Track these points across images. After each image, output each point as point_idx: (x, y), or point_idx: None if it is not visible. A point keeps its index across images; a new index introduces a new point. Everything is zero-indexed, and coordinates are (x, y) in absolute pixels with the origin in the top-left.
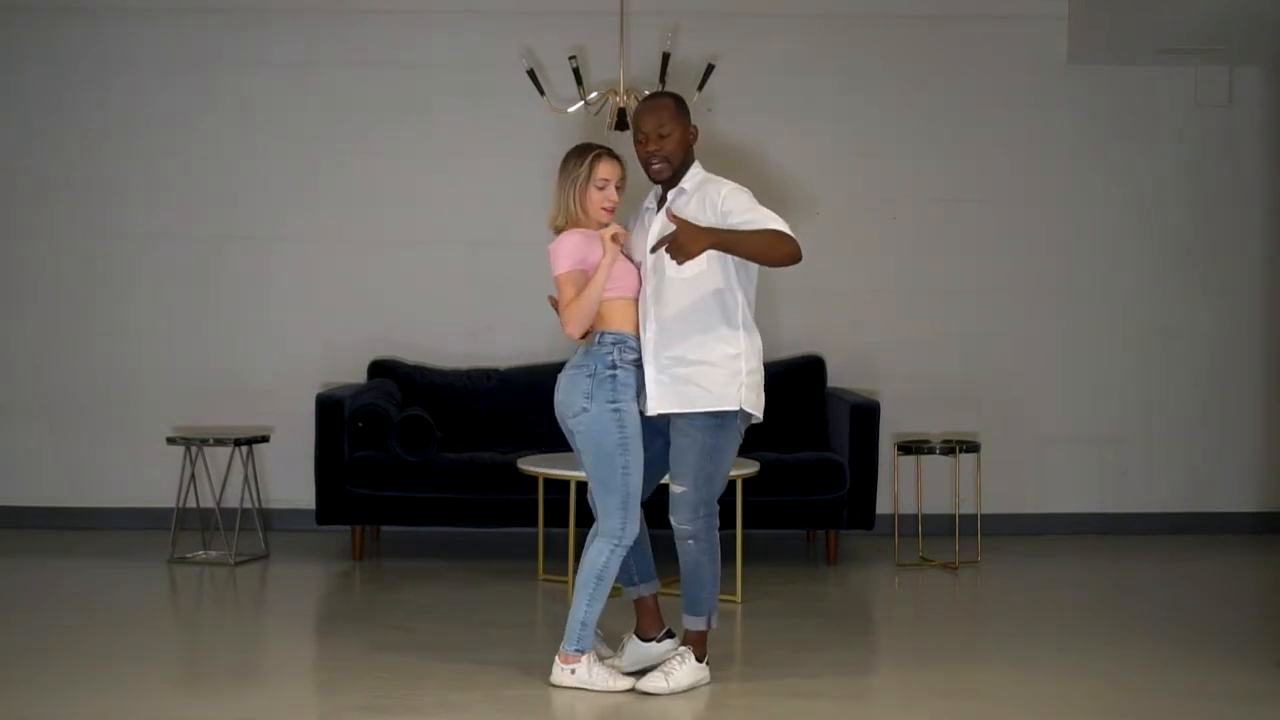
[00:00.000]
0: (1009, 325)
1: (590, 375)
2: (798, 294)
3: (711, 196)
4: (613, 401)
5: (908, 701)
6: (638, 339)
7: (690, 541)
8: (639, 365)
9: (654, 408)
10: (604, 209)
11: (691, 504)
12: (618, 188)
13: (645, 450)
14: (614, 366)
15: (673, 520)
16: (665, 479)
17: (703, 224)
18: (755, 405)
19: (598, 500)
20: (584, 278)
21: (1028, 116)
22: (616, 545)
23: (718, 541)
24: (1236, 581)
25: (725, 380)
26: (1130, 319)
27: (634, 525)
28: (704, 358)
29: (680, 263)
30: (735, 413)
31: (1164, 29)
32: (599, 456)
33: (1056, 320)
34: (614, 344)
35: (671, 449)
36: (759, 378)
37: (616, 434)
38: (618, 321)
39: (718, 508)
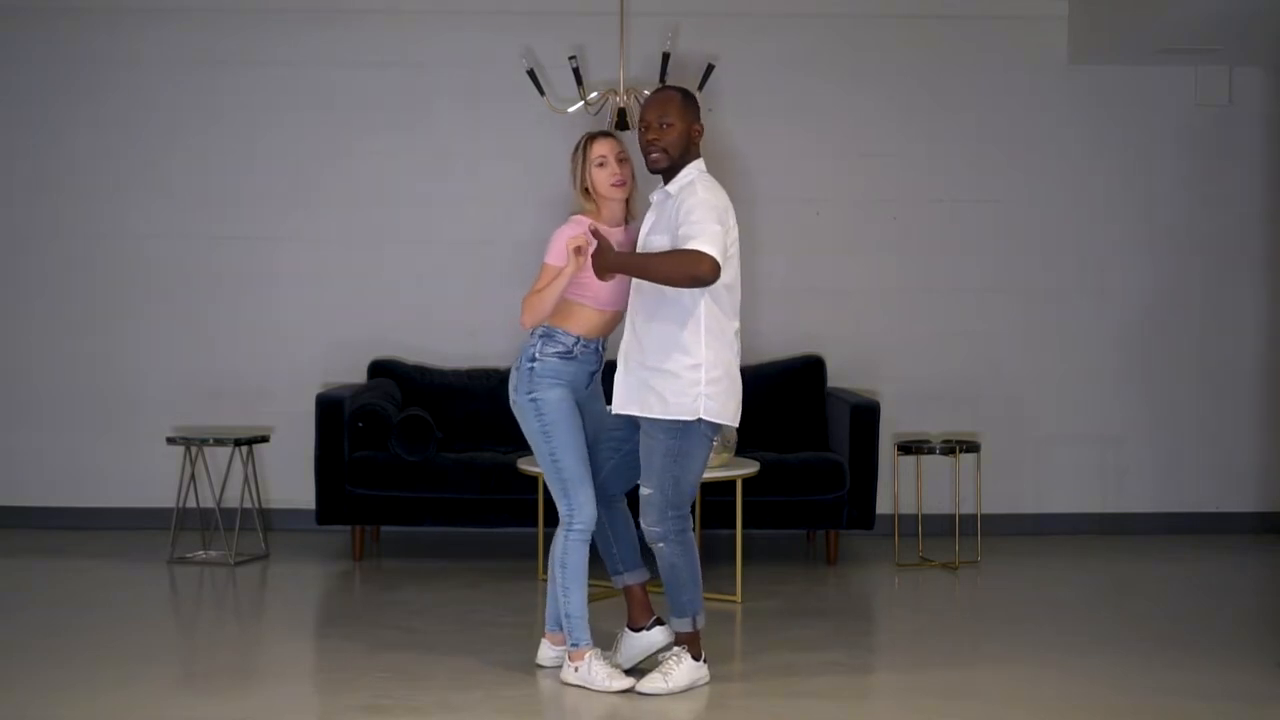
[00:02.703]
0: (1009, 325)
1: (517, 368)
2: (798, 294)
3: (680, 201)
4: (530, 392)
5: (908, 701)
6: (575, 337)
7: (661, 545)
8: (566, 358)
9: (616, 406)
10: (612, 185)
11: (659, 506)
12: (620, 161)
13: (624, 444)
14: (534, 359)
15: (642, 523)
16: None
17: (666, 232)
18: (721, 413)
19: (550, 489)
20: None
21: (1028, 116)
22: (569, 530)
23: (692, 542)
24: (1236, 581)
25: (681, 390)
26: (1130, 319)
27: (583, 510)
28: (663, 365)
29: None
30: (697, 420)
31: (1164, 29)
32: (532, 446)
33: (1056, 320)
34: (541, 337)
35: (640, 450)
36: (725, 385)
37: (536, 423)
38: (562, 318)
39: (688, 511)
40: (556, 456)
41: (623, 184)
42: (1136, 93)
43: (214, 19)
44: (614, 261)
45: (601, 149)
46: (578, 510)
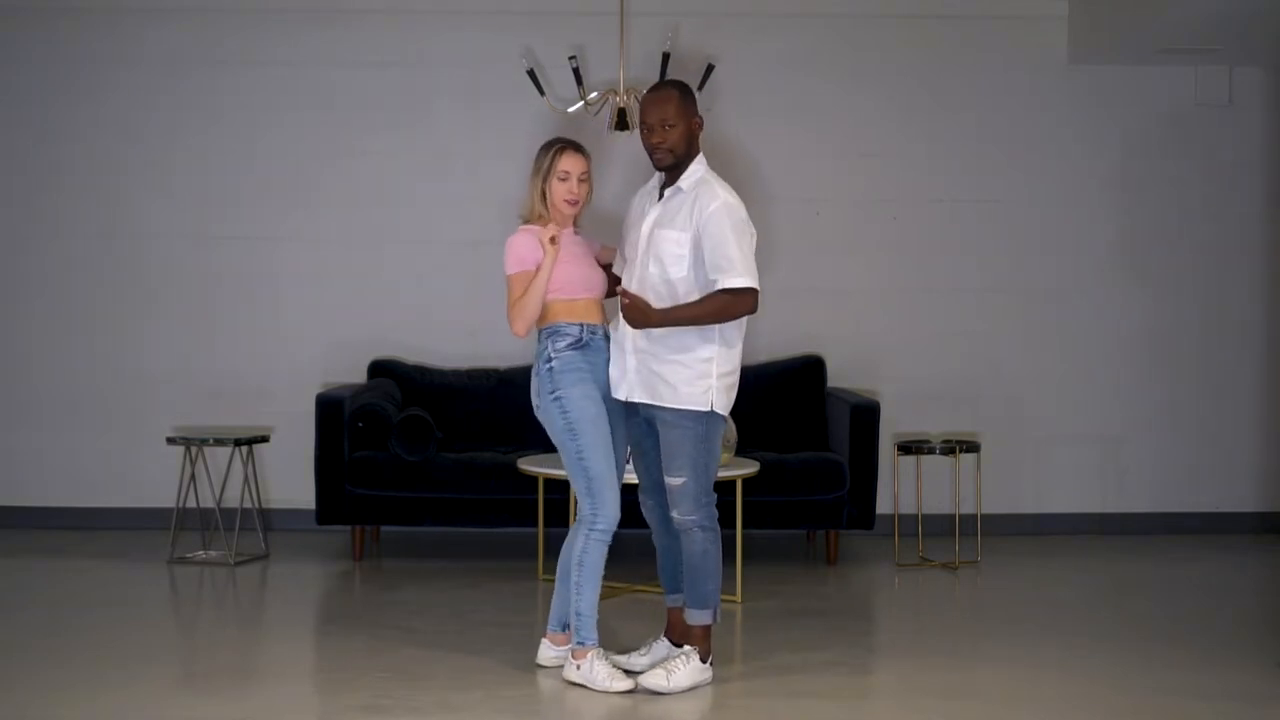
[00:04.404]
0: (1009, 325)
1: (536, 373)
2: (798, 294)
3: (701, 205)
4: (553, 392)
5: (908, 701)
6: (579, 324)
7: (698, 530)
8: (578, 347)
9: (623, 393)
10: (566, 200)
11: (693, 494)
12: (581, 180)
13: (644, 450)
14: (550, 359)
15: (675, 514)
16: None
17: (685, 229)
18: (725, 406)
19: (573, 487)
20: (531, 278)
21: (1027, 116)
22: (590, 530)
23: (719, 531)
24: (1236, 581)
25: (692, 380)
26: (1130, 319)
27: (606, 509)
28: (676, 357)
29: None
30: (716, 411)
31: (1164, 29)
32: (558, 446)
33: (1056, 320)
34: (549, 336)
35: (663, 443)
36: (731, 381)
37: (561, 421)
38: (557, 314)
39: (715, 496)
40: (583, 454)
41: (575, 203)
42: (1136, 93)
43: (214, 19)
44: (656, 318)
45: (568, 164)
46: (602, 510)
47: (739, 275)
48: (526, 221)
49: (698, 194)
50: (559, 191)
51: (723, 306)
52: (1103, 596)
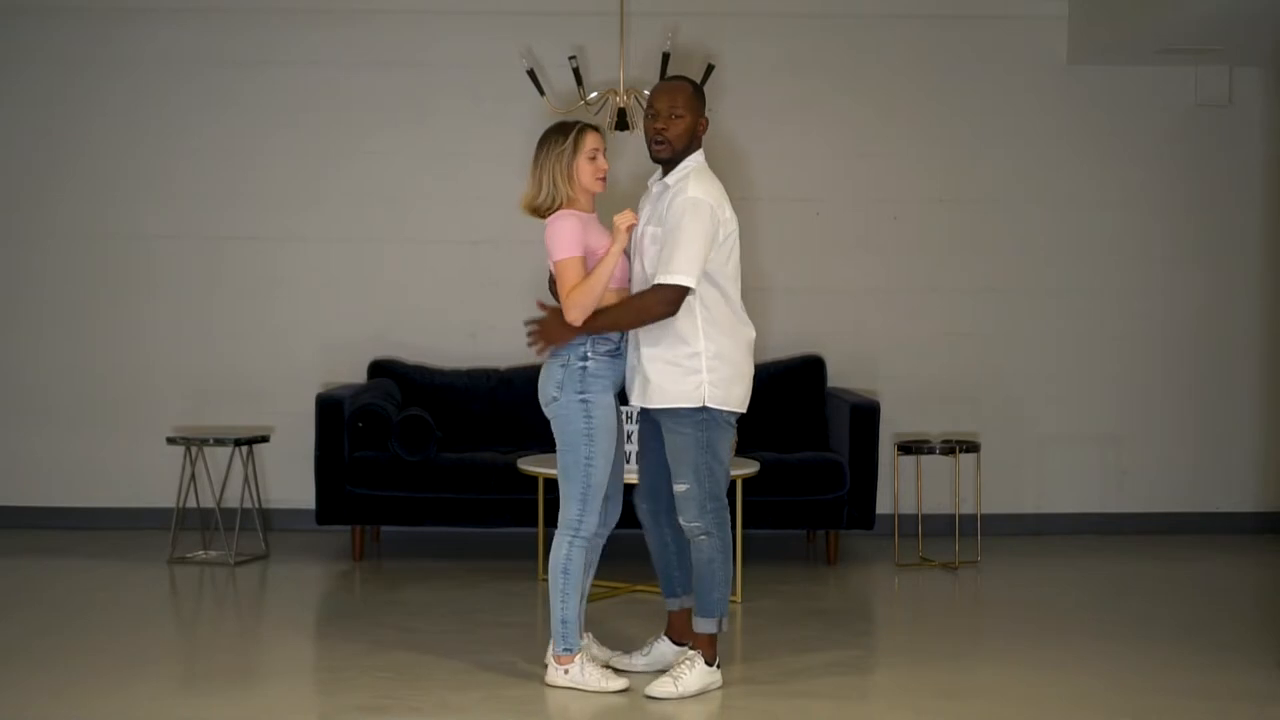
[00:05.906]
0: (1009, 325)
1: (563, 365)
2: (798, 294)
3: (671, 197)
4: (581, 393)
5: (908, 701)
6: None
7: (703, 538)
8: (615, 356)
9: (633, 399)
10: (598, 179)
11: (697, 500)
12: (603, 155)
13: (647, 451)
14: (586, 358)
15: (682, 521)
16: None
17: (661, 225)
18: (725, 400)
19: (560, 488)
20: (584, 264)
21: (1028, 116)
22: (574, 536)
23: (730, 539)
24: (1236, 581)
25: (678, 378)
26: (1130, 319)
27: (592, 518)
28: (661, 355)
29: (539, 350)
30: (712, 409)
31: (1164, 29)
32: (565, 445)
33: (1056, 320)
34: (590, 336)
35: (667, 449)
36: (725, 373)
37: (583, 424)
38: None
39: (727, 503)
40: (592, 461)
41: (605, 180)
42: (1136, 93)
43: (217, 19)
44: (573, 331)
45: (595, 142)
46: (588, 517)
47: (671, 273)
48: (548, 210)
49: (677, 189)
50: (592, 172)
51: (639, 308)
52: (1103, 596)
